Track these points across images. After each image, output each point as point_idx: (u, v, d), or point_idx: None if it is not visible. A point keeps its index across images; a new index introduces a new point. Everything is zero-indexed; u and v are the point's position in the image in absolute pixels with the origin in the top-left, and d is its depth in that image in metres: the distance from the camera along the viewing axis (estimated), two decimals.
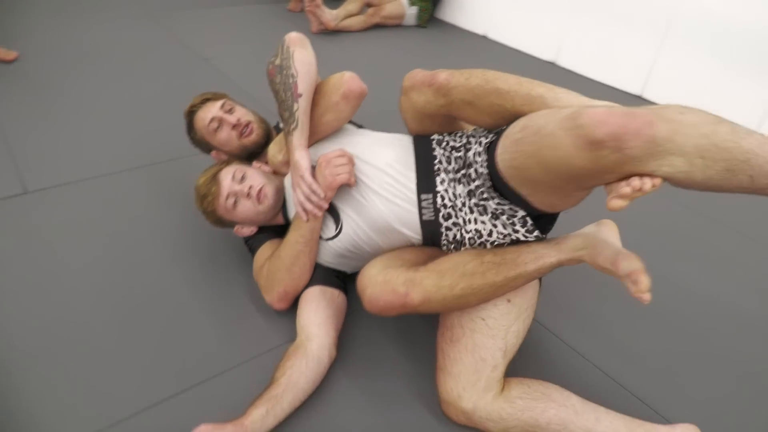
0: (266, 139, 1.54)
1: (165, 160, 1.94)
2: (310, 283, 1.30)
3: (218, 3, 3.91)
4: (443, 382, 1.10)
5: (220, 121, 1.51)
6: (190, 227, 1.61)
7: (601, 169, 0.84)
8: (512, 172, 0.99)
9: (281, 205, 1.38)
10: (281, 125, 1.34)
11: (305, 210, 1.22)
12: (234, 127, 1.50)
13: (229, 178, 1.34)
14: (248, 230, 1.41)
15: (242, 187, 1.32)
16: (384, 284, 1.08)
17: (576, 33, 3.23)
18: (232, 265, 1.50)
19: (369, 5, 3.69)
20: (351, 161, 1.21)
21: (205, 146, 1.59)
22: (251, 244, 1.45)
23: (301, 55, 1.21)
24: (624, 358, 1.33)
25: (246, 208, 1.34)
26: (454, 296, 1.06)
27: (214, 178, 1.35)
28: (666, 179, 0.84)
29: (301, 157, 1.21)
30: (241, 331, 1.31)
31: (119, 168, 1.88)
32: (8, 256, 1.45)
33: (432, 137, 1.25)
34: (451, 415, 1.10)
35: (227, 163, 1.41)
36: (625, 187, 0.84)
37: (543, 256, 1.06)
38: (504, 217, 1.07)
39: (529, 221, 1.07)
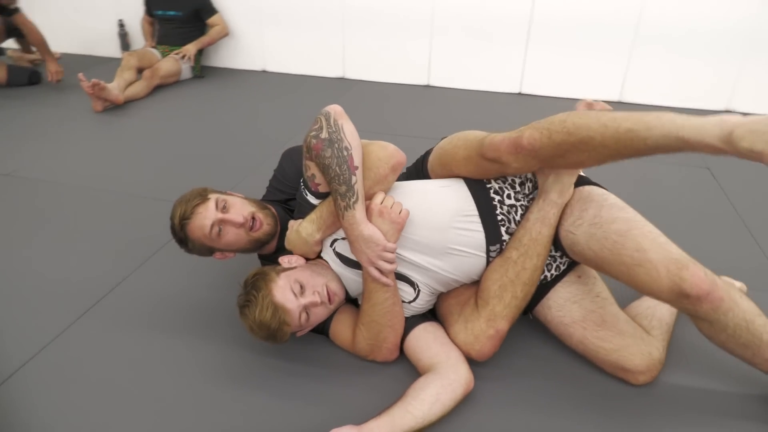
0: (276, 226, 1.43)
1: None
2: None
3: None
4: (629, 359, 1.23)
5: (222, 224, 1.34)
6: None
7: None
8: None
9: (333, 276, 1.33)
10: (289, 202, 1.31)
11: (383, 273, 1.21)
12: (240, 225, 1.35)
13: (290, 296, 1.20)
14: (308, 328, 1.33)
15: (311, 299, 1.22)
16: (478, 338, 1.25)
17: (358, 44, 3.65)
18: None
19: (140, 70, 3.45)
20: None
21: (206, 251, 1.42)
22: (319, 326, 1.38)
23: (350, 128, 1.20)
24: None
25: (319, 315, 1.27)
26: (523, 299, 1.25)
27: (276, 308, 1.18)
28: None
29: (373, 230, 1.18)
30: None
31: None
32: None
33: (489, 186, 1.31)
34: (655, 375, 1.25)
35: (262, 279, 1.24)
36: None
37: (545, 217, 1.26)
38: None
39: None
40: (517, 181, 1.34)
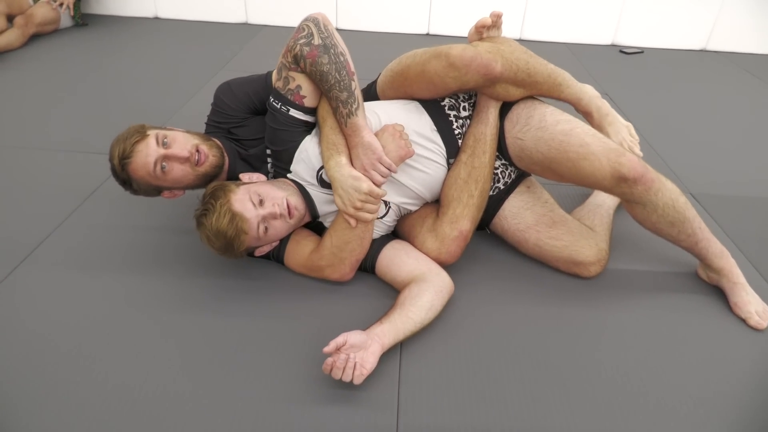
0: (223, 157, 1.37)
1: None
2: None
3: None
4: (581, 252, 1.35)
5: (165, 160, 1.27)
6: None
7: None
8: None
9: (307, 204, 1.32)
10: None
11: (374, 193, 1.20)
12: (186, 160, 1.28)
13: (249, 206, 1.19)
14: (269, 247, 1.32)
15: (269, 210, 1.21)
16: (443, 241, 1.31)
17: None
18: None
19: (11, 16, 3.02)
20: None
21: (152, 191, 1.34)
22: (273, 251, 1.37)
23: (338, 36, 1.21)
24: None
25: (278, 229, 1.25)
26: (479, 196, 1.33)
27: (233, 215, 1.17)
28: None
29: (374, 139, 1.21)
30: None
31: None
32: None
33: (443, 104, 1.37)
34: (604, 265, 1.38)
35: (221, 189, 1.22)
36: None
37: (484, 118, 1.35)
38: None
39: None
40: (465, 96, 1.41)
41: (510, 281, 1.41)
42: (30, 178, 1.78)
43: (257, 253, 1.32)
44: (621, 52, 3.28)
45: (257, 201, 1.21)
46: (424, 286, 1.22)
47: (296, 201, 1.28)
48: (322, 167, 1.28)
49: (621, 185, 1.21)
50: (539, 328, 1.26)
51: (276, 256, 1.37)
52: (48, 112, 2.26)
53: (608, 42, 3.40)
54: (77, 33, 3.28)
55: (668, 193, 1.24)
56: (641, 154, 1.36)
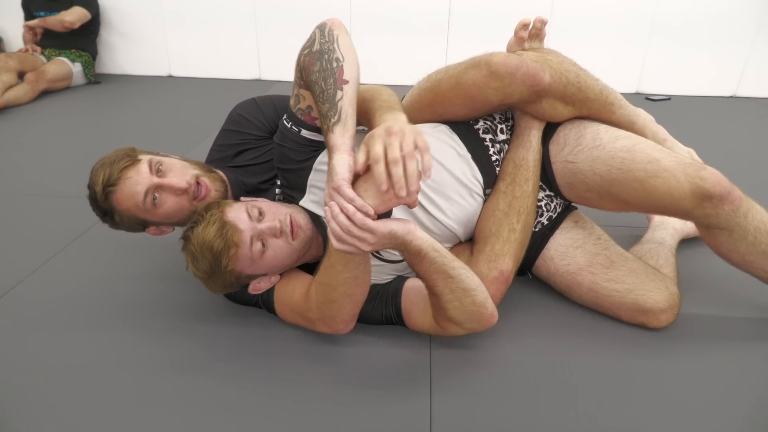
0: (226, 192, 1.17)
1: None
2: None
3: None
4: (648, 296, 1.11)
5: (159, 190, 1.09)
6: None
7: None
8: None
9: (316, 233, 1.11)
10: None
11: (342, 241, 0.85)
12: (182, 192, 1.10)
13: (244, 217, 1.00)
14: (268, 283, 1.09)
15: (269, 224, 1.00)
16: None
17: (273, 43, 3.43)
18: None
19: (22, 73, 2.99)
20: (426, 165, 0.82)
21: (136, 226, 1.15)
22: (262, 295, 1.14)
23: (346, 40, 1.00)
24: None
25: (278, 251, 1.02)
26: (521, 231, 1.12)
27: (224, 223, 0.97)
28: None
29: (342, 161, 0.86)
30: None
31: None
32: None
33: (477, 127, 1.19)
34: (676, 312, 1.12)
35: (216, 203, 1.04)
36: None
37: (526, 141, 1.17)
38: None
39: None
40: (502, 117, 1.22)
41: (559, 332, 1.15)
42: (13, 222, 1.61)
43: (252, 288, 1.08)
44: (647, 99, 3.14)
45: (256, 214, 1.02)
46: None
47: (302, 220, 1.07)
48: None
49: (704, 205, 1.00)
50: (599, 389, 0.99)
51: (265, 300, 1.14)
52: (48, 161, 2.13)
53: (632, 90, 3.27)
54: (89, 90, 3.26)
55: (758, 215, 1.02)
56: None
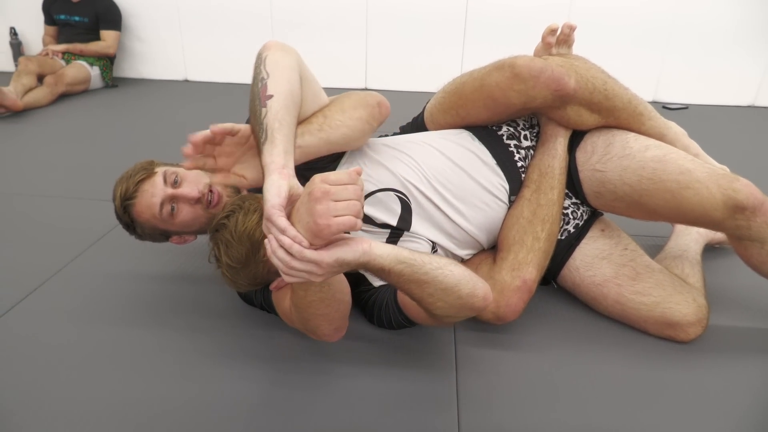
0: (238, 193, 1.18)
1: None
2: None
3: None
4: (676, 309, 1.09)
5: (174, 200, 1.12)
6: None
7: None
8: None
9: None
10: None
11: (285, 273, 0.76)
12: (196, 201, 1.12)
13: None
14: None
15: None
16: (503, 292, 1.08)
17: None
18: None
19: (42, 76, 3.02)
20: (361, 189, 0.73)
21: (159, 236, 1.18)
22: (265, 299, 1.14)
23: (275, 57, 0.96)
24: None
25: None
26: (546, 240, 1.11)
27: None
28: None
29: (270, 185, 0.78)
30: None
31: None
32: None
33: (500, 133, 1.20)
34: (705, 325, 1.10)
35: (252, 198, 1.01)
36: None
37: (551, 149, 1.16)
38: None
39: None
40: (526, 123, 1.22)
41: (585, 345, 1.14)
42: (33, 224, 1.62)
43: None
44: (664, 107, 3.12)
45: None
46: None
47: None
48: None
49: (736, 217, 0.98)
50: (626, 403, 0.98)
51: (263, 300, 1.13)
52: (67, 163, 2.15)
53: (649, 98, 3.25)
54: (106, 93, 3.29)
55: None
56: None
